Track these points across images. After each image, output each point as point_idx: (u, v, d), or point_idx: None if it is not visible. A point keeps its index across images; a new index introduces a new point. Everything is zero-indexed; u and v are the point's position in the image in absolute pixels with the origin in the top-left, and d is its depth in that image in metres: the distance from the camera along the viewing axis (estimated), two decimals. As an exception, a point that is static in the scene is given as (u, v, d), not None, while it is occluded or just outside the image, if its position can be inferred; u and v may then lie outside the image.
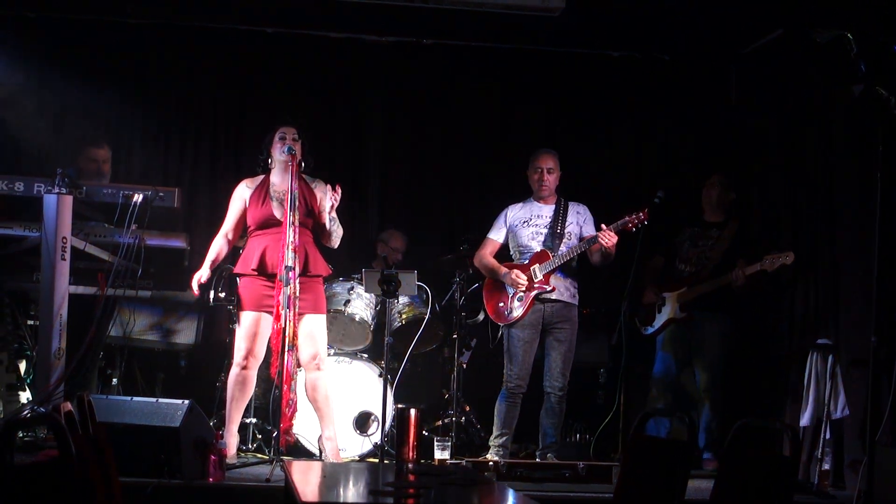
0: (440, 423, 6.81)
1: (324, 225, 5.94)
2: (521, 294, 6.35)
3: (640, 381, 6.83)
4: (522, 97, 8.00)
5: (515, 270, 6.37)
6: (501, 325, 6.49)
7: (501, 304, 6.45)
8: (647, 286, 6.79)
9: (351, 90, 7.91)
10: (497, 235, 6.58)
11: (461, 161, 7.93)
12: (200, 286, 5.98)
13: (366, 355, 6.66)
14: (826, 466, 5.88)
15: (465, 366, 7.00)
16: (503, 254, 6.62)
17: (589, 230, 6.46)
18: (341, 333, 6.72)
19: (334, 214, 5.93)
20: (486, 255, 6.55)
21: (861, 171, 5.92)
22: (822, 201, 6.45)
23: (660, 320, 6.71)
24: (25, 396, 6.07)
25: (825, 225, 6.39)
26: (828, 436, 5.85)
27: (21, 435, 5.59)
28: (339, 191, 5.86)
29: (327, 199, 5.88)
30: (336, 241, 6.09)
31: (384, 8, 7.00)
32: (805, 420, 5.95)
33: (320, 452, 6.04)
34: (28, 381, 6.17)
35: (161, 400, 5.43)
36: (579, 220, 6.48)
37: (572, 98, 8.01)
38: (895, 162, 5.04)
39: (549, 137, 7.79)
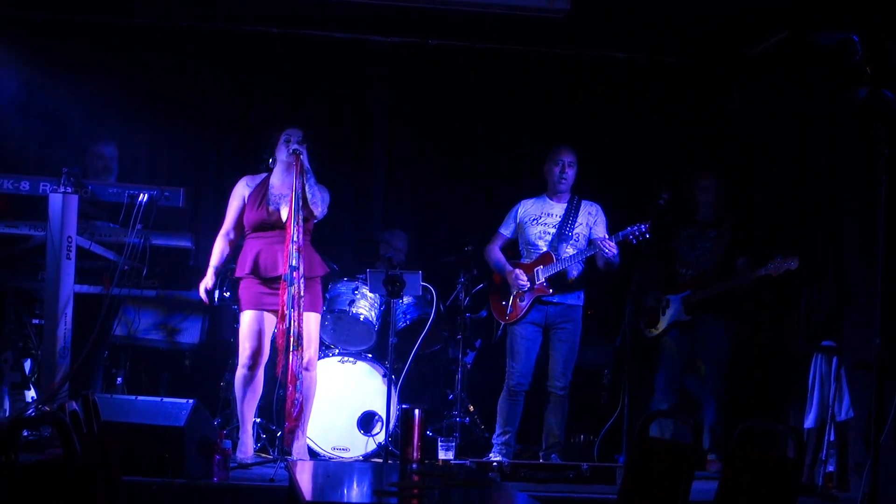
0: (444, 423, 6.81)
1: (311, 202, 5.86)
2: (524, 294, 6.37)
3: (643, 382, 6.83)
4: (528, 99, 8.00)
5: (518, 271, 6.39)
6: (503, 322, 6.50)
7: (504, 302, 6.48)
8: (648, 290, 6.78)
9: (356, 91, 7.91)
10: (506, 230, 6.62)
11: (466, 162, 7.93)
12: (207, 292, 6.05)
13: (370, 355, 6.66)
14: (830, 469, 5.87)
15: (469, 366, 7.00)
16: (513, 247, 6.65)
17: (599, 231, 6.46)
18: (346, 334, 6.72)
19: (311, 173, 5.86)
20: (496, 249, 6.59)
21: (866, 174, 5.91)
22: (827, 204, 6.44)
23: (664, 323, 6.70)
24: (30, 395, 6.08)
25: (830, 228, 6.38)
26: (832, 438, 5.84)
27: (25, 434, 5.60)
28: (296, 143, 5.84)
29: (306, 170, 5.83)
30: (322, 206, 5.96)
31: (389, 9, 7.00)
32: (809, 422, 5.94)
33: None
34: (33, 380, 6.18)
35: (165, 399, 5.44)
36: (589, 221, 6.48)
37: (577, 100, 8.00)
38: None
39: (554, 139, 7.78)
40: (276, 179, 6.00)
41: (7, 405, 5.97)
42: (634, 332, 6.66)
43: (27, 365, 6.23)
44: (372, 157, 7.92)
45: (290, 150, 5.81)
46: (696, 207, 6.82)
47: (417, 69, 7.88)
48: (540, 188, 6.67)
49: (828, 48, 4.97)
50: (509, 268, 6.46)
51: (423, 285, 6.41)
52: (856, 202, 6.09)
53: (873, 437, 4.83)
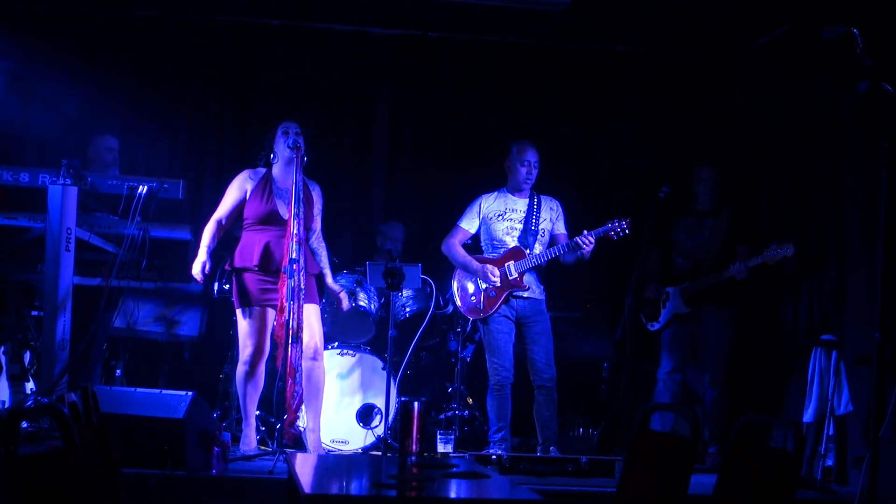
0: (443, 416, 6.81)
1: (312, 229, 6.09)
2: (494, 290, 6.34)
3: (643, 375, 6.83)
4: (528, 92, 8.00)
5: (489, 266, 6.34)
6: (473, 318, 6.49)
7: (474, 299, 6.43)
8: (648, 281, 6.78)
9: (357, 83, 7.91)
10: (469, 225, 6.51)
11: (466, 154, 7.93)
12: (205, 275, 5.98)
13: (369, 348, 6.66)
14: (829, 462, 5.87)
15: (468, 360, 7.00)
16: (471, 243, 6.61)
17: (560, 227, 6.45)
18: (345, 326, 6.71)
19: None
20: (457, 245, 6.50)
21: (867, 167, 5.91)
22: (828, 198, 6.43)
23: (665, 316, 6.69)
24: (29, 387, 6.07)
25: (831, 222, 6.37)
26: (831, 432, 5.85)
27: (25, 426, 5.59)
28: (345, 299, 6.26)
29: (318, 204, 6.11)
30: (323, 256, 6.24)
31: (390, 1, 6.99)
32: (808, 416, 5.95)
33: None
34: (32, 371, 6.17)
35: (165, 391, 5.44)
36: (552, 217, 6.45)
37: (578, 93, 8.00)
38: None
39: (555, 133, 7.80)
40: (279, 174, 6.01)
41: (6, 397, 5.96)
42: (635, 324, 6.66)
43: (26, 357, 6.23)
44: (372, 150, 7.93)
45: (290, 143, 5.83)
46: (694, 198, 6.81)
47: (418, 61, 7.88)
48: (542, 183, 6.61)
49: (829, 42, 4.95)
50: (477, 264, 6.39)
51: (422, 278, 6.40)
52: (857, 196, 6.09)
53: (872, 430, 4.83)
